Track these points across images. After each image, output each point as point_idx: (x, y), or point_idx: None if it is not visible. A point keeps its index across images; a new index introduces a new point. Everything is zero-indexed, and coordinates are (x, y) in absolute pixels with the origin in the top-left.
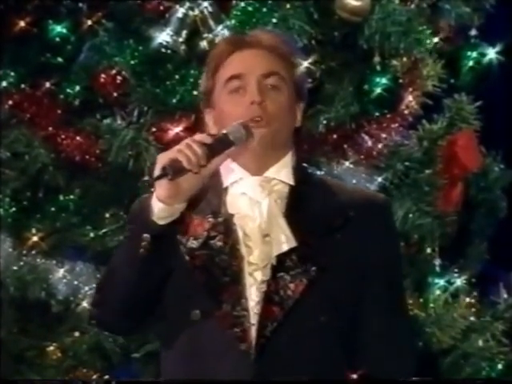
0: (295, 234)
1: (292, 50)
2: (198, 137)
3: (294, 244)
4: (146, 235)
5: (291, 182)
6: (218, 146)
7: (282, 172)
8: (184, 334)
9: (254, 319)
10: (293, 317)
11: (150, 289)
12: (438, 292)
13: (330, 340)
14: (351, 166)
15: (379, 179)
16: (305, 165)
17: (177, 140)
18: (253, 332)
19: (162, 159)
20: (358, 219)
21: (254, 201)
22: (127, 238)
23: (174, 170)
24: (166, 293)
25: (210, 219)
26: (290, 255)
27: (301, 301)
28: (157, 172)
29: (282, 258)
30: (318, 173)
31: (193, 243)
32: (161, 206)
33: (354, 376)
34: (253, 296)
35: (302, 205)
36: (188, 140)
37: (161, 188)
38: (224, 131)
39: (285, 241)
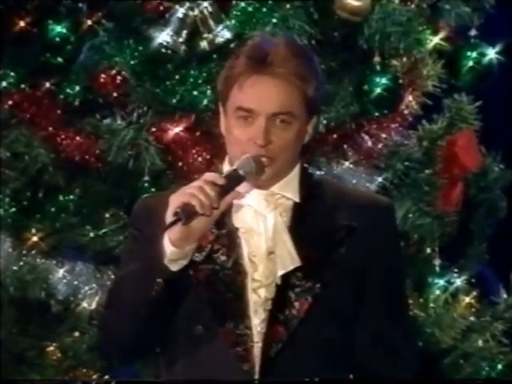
0: (299, 249)
1: (308, 66)
2: (210, 177)
3: (298, 263)
4: (159, 280)
5: (296, 199)
6: (230, 184)
7: (287, 188)
8: (187, 348)
9: (257, 338)
10: (298, 336)
11: (160, 325)
12: (437, 292)
13: (336, 355)
14: (351, 166)
15: (379, 179)
16: (310, 171)
17: (177, 140)
18: (256, 351)
19: (175, 202)
20: (361, 229)
21: (260, 214)
22: (136, 277)
23: (187, 215)
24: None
25: (214, 231)
26: (295, 272)
27: (305, 319)
28: (169, 216)
29: (286, 275)
30: (321, 174)
31: (196, 256)
32: (173, 250)
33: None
34: (257, 314)
35: (306, 219)
36: (200, 182)
37: (173, 232)
38: (234, 166)
39: (290, 259)
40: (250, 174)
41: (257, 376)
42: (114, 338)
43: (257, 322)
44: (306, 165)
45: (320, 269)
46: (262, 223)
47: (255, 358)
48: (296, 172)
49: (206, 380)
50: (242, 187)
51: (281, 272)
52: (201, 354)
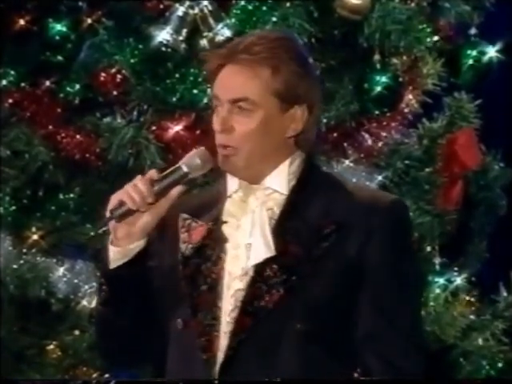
0: (280, 243)
1: (279, 55)
2: (148, 174)
3: (271, 253)
4: (102, 279)
5: (285, 192)
6: (170, 180)
7: (276, 181)
8: (171, 341)
9: (226, 328)
10: (265, 327)
11: (126, 323)
12: (437, 290)
13: (311, 349)
14: (351, 164)
15: (379, 177)
16: (314, 166)
17: (177, 138)
18: (222, 342)
19: (112, 201)
20: (357, 225)
21: (249, 209)
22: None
23: (120, 213)
24: (161, 302)
25: (209, 226)
26: (271, 265)
27: (275, 311)
28: (107, 215)
29: (262, 267)
30: (332, 173)
31: (189, 251)
32: (113, 249)
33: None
34: (227, 304)
35: (296, 213)
36: (136, 178)
37: (112, 231)
38: (179, 163)
39: (263, 250)
40: (195, 170)
41: (217, 366)
42: (99, 342)
43: (227, 312)
44: (312, 161)
45: (299, 262)
46: (248, 217)
47: (221, 347)
48: (286, 165)
49: (206, 380)
50: (235, 183)
51: (252, 262)
52: (179, 346)
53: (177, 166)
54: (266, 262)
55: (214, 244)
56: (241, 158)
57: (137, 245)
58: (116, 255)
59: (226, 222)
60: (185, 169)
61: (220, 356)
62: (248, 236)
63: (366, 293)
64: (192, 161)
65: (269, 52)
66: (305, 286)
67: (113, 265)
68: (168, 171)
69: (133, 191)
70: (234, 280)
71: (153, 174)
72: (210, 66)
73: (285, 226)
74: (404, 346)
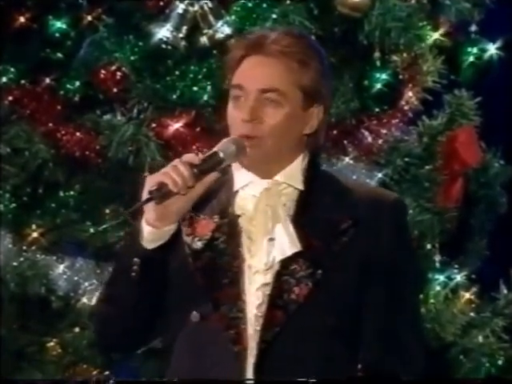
0: (302, 237)
1: (307, 52)
2: (186, 157)
3: (298, 248)
4: (136, 259)
5: (300, 187)
6: (207, 165)
7: (291, 176)
8: (184, 334)
9: (256, 322)
10: (296, 320)
11: (147, 307)
12: (437, 288)
13: (336, 343)
14: (351, 161)
15: (379, 175)
16: (319, 164)
17: (177, 135)
18: (254, 334)
19: (150, 182)
20: (367, 221)
21: (263, 204)
22: (119, 259)
23: (160, 194)
24: (167, 294)
25: (216, 220)
26: (296, 259)
27: (305, 304)
28: (144, 196)
29: (287, 261)
30: (331, 171)
31: (197, 244)
32: (149, 230)
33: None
34: (252, 298)
35: (311, 208)
36: (175, 161)
37: (149, 212)
38: (215, 149)
39: (289, 245)
40: (230, 157)
41: (252, 359)
42: (105, 326)
43: (253, 306)
44: (317, 159)
45: (322, 256)
46: (264, 212)
47: (251, 340)
48: (299, 161)
49: (206, 380)
50: (245, 177)
51: (279, 258)
52: (197, 339)
53: (213, 151)
54: (291, 257)
55: (227, 238)
56: (264, 150)
57: (171, 228)
58: (151, 236)
59: (239, 216)
60: (221, 155)
61: (252, 349)
62: (265, 230)
63: (372, 288)
64: (227, 147)
65: (297, 47)
66: (329, 280)
67: (148, 246)
68: (205, 156)
69: (175, 174)
70: (255, 274)
71: (192, 157)
72: (234, 56)
73: (303, 221)
74: (405, 342)
